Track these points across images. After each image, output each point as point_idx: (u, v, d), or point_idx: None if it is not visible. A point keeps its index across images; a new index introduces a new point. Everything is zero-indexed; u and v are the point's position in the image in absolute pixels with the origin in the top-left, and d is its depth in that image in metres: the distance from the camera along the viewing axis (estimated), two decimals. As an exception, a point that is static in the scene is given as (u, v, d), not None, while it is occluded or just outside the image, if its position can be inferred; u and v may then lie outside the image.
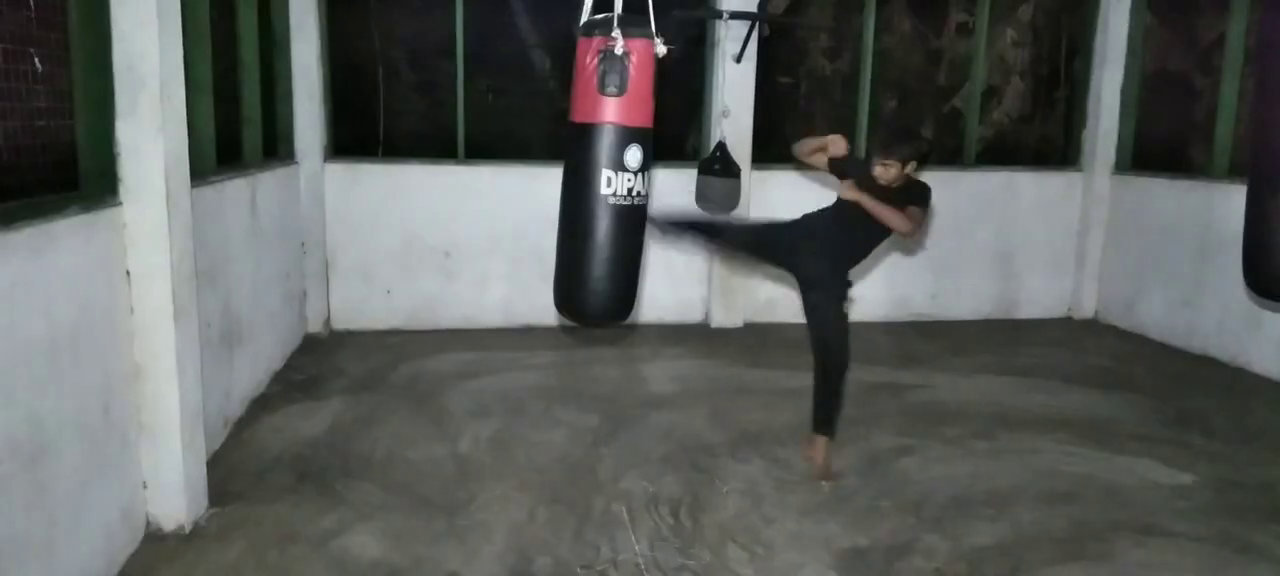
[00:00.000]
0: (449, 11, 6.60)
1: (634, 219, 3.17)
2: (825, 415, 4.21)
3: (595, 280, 3.15)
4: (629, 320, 3.49)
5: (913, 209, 3.87)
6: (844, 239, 4.09)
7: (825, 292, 4.10)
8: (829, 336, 4.10)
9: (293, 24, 6.17)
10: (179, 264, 3.42)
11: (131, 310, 3.32)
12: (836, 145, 4.09)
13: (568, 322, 3.80)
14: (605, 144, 3.05)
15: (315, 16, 6.27)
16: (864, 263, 4.24)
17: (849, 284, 4.15)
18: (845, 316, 4.12)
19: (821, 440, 4.23)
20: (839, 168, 4.09)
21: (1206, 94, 7.09)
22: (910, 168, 3.92)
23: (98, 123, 3.18)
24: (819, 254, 4.11)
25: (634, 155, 3.08)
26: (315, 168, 6.44)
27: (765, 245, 4.47)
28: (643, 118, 3.10)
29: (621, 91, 3.01)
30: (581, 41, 3.08)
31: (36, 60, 2.93)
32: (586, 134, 3.09)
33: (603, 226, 3.11)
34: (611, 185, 3.07)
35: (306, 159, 6.38)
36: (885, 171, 3.90)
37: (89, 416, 3.02)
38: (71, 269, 2.92)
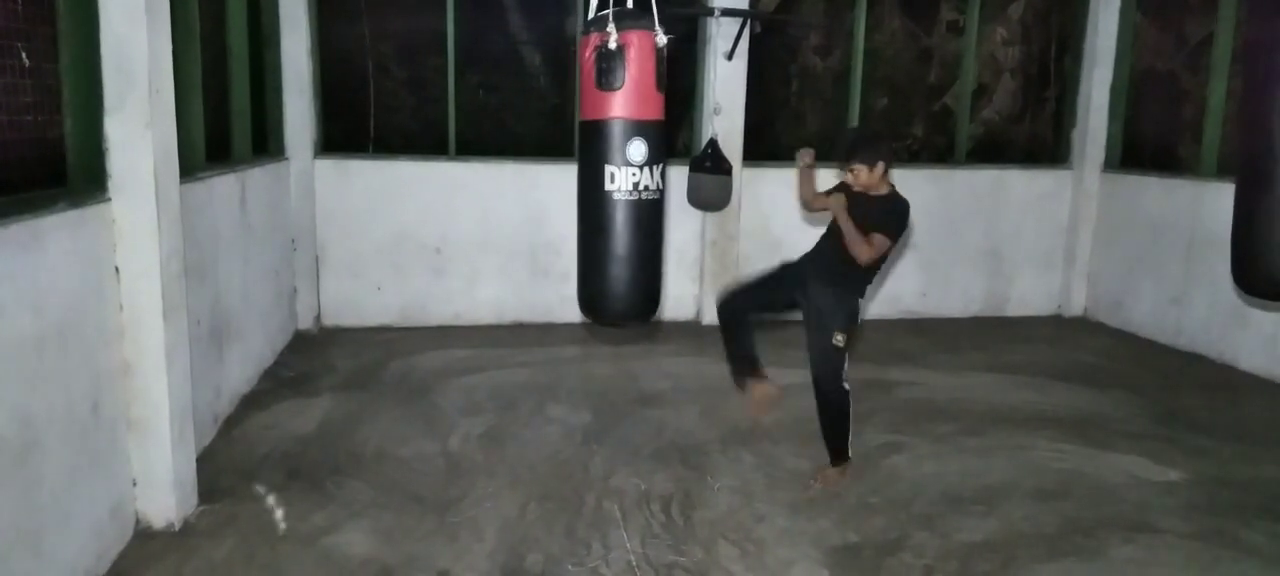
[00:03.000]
0: (440, 7, 6.59)
1: (643, 214, 3.09)
2: (831, 446, 4.11)
3: (611, 280, 3.11)
4: (651, 318, 3.34)
5: (877, 236, 3.73)
6: (838, 262, 3.90)
7: (820, 321, 3.97)
8: (818, 368, 3.99)
9: (282, 19, 6.14)
10: (168, 260, 3.40)
11: (120, 306, 3.30)
12: (805, 156, 4.01)
13: (582, 318, 3.70)
14: (607, 140, 3.01)
15: (305, 11, 6.24)
16: (870, 289, 4.03)
17: (849, 317, 3.94)
18: (839, 350, 3.91)
19: (832, 471, 4.14)
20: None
21: (1195, 93, 7.12)
22: (879, 170, 3.79)
23: (86, 118, 3.16)
24: (820, 278, 3.98)
25: (637, 149, 3.00)
26: (305, 164, 6.41)
27: (782, 285, 4.19)
28: (647, 111, 3.01)
29: (619, 86, 2.97)
30: (582, 39, 3.05)
31: (24, 55, 2.91)
32: (590, 131, 3.06)
33: (611, 223, 3.06)
34: (615, 181, 3.02)
35: (296, 155, 6.35)
36: (855, 178, 3.83)
37: (78, 413, 3.01)
38: (60, 265, 2.90)
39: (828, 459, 4.16)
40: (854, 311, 3.96)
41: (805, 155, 4.02)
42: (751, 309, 4.28)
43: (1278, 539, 3.70)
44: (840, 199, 3.85)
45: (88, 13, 3.12)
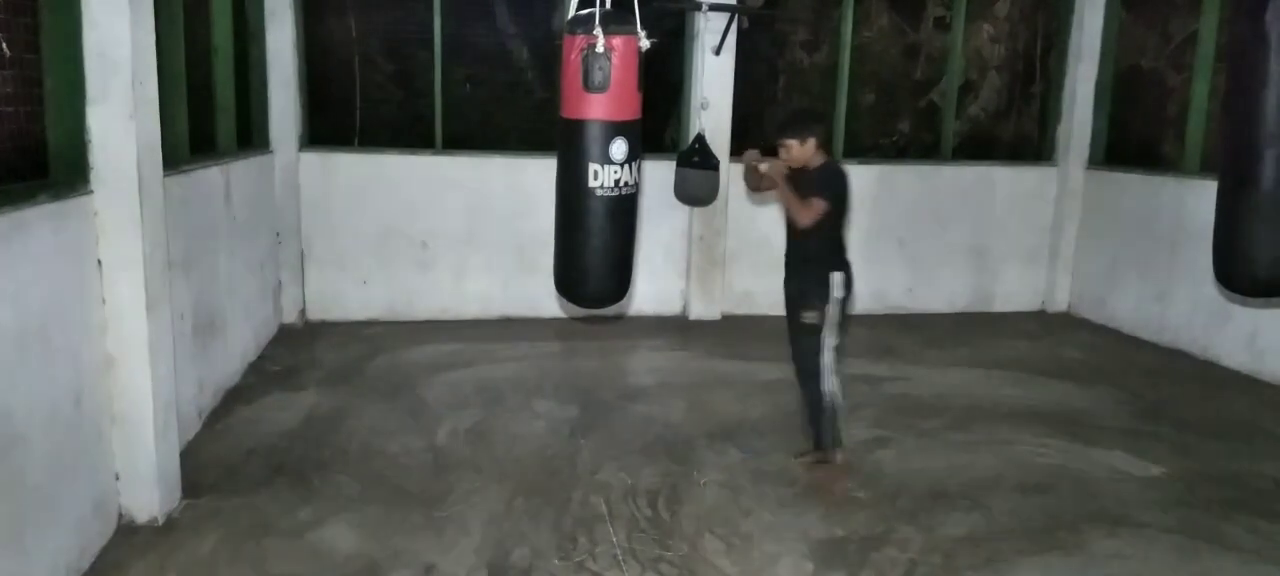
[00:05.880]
0: (426, 0, 6.56)
1: (621, 208, 3.27)
2: (811, 429, 4.17)
3: (588, 267, 3.29)
4: (619, 305, 3.52)
5: (814, 199, 3.84)
6: (795, 247, 4.09)
7: (789, 302, 4.14)
8: (793, 348, 4.15)
9: (267, 11, 6.10)
10: (151, 254, 3.38)
11: (103, 300, 3.28)
12: (750, 156, 4.13)
13: (564, 311, 3.83)
14: (591, 139, 3.13)
15: (290, 3, 6.19)
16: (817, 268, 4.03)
17: (817, 296, 3.98)
18: (805, 329, 4.02)
19: (809, 457, 4.20)
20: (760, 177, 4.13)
21: (1179, 90, 7.18)
22: (810, 145, 3.94)
23: (69, 110, 3.13)
24: (788, 271, 4.14)
25: (619, 148, 3.15)
26: (290, 157, 6.37)
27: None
28: (628, 111, 3.15)
29: (605, 88, 3.05)
30: (566, 38, 3.11)
31: (5, 45, 2.88)
32: (573, 129, 3.17)
33: (592, 217, 3.21)
34: (598, 178, 3.15)
35: (281, 148, 6.31)
36: (786, 153, 3.98)
37: (60, 408, 2.98)
38: (41, 258, 2.88)
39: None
40: (822, 291, 3.98)
41: (751, 155, 4.13)
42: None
43: (1257, 533, 3.74)
44: (779, 164, 3.98)
45: (70, 3, 3.09)
